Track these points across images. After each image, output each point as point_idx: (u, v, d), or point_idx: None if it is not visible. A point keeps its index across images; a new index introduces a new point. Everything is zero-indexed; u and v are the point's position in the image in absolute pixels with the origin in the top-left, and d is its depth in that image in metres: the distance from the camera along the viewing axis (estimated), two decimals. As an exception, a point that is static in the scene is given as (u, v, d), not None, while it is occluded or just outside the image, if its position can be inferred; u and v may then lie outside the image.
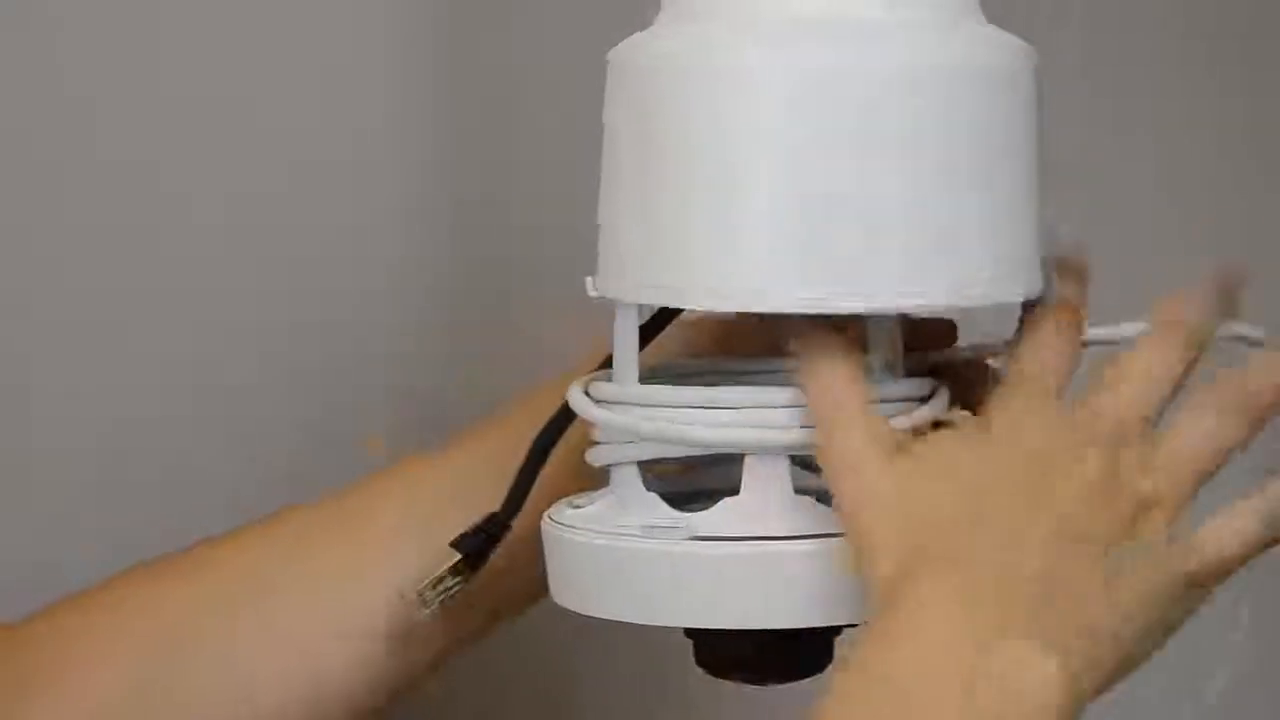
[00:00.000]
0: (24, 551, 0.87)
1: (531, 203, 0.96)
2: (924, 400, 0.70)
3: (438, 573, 0.73)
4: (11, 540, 0.87)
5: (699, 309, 0.69)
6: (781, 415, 0.67)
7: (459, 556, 0.73)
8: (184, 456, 0.90)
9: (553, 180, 0.95)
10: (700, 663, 0.71)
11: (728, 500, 0.67)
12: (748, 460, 0.67)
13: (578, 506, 0.71)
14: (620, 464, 0.70)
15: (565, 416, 0.72)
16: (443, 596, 0.73)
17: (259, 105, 0.90)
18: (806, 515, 0.67)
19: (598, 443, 0.71)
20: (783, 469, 0.67)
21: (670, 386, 0.69)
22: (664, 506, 0.68)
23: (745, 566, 0.66)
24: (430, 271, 0.94)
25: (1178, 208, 1.12)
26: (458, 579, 0.73)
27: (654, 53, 0.68)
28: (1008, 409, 0.66)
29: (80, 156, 0.88)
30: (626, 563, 0.67)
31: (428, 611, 0.73)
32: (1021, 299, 0.69)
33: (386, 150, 0.93)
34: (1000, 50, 0.68)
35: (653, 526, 0.67)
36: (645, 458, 0.69)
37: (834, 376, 0.66)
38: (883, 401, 0.68)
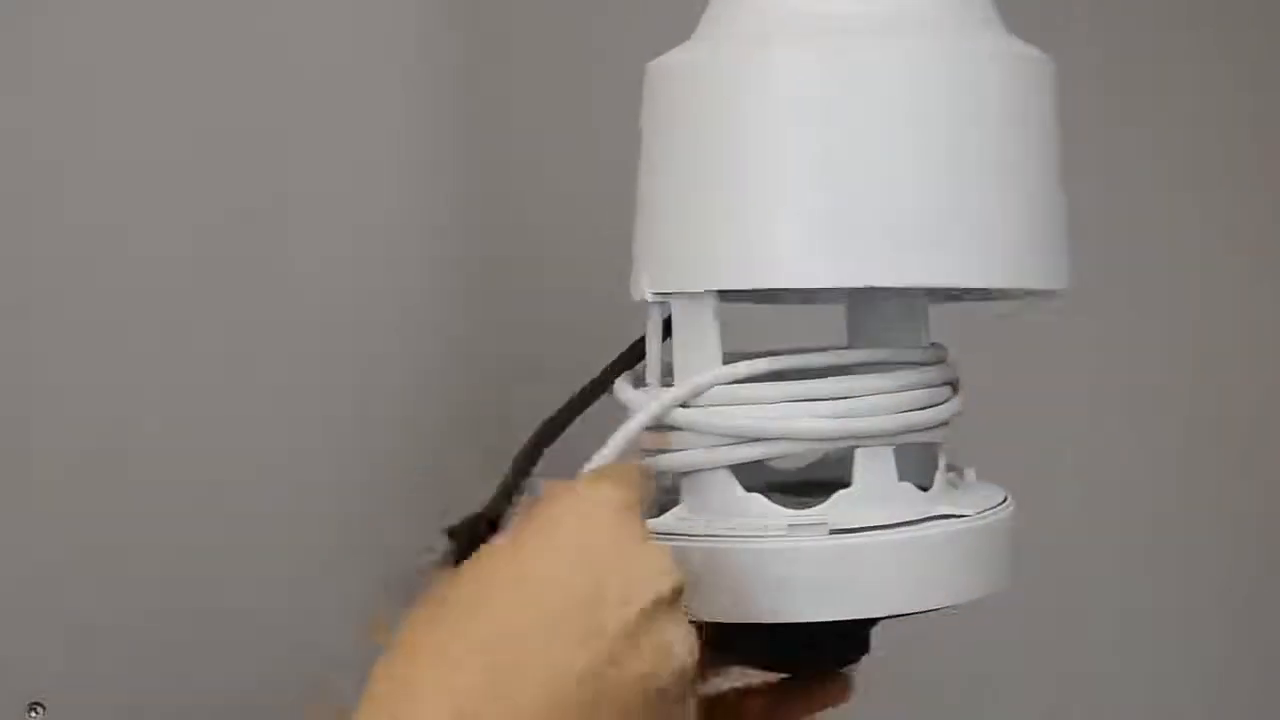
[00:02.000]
0: (24, 551, 0.87)
1: (537, 206, 0.96)
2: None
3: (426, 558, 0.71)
4: (11, 540, 0.87)
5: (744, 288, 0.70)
6: (888, 402, 0.68)
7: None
8: (184, 457, 0.89)
9: (555, 184, 0.96)
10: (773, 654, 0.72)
11: (844, 492, 0.68)
12: (859, 451, 0.68)
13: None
14: (711, 468, 0.69)
15: (561, 421, 0.72)
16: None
17: (264, 107, 0.90)
18: (913, 500, 0.69)
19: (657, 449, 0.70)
20: (890, 457, 0.68)
21: (768, 382, 0.69)
22: (769, 504, 0.68)
23: (887, 555, 0.67)
24: (435, 272, 0.95)
25: (1182, 206, 1.13)
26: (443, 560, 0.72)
27: (690, 61, 0.70)
28: None
29: (81, 156, 0.87)
30: (771, 564, 0.67)
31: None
32: (1044, 287, 0.70)
33: (395, 154, 0.93)
34: (1020, 48, 0.71)
35: (796, 525, 0.67)
36: (754, 458, 0.68)
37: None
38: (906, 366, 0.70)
